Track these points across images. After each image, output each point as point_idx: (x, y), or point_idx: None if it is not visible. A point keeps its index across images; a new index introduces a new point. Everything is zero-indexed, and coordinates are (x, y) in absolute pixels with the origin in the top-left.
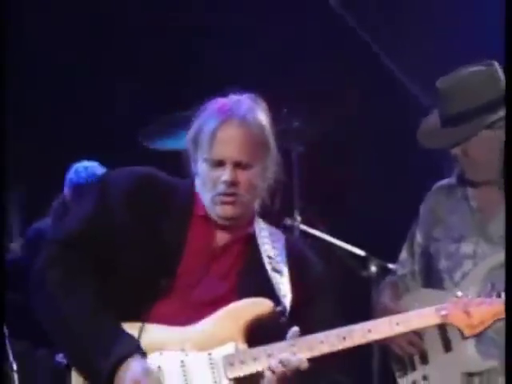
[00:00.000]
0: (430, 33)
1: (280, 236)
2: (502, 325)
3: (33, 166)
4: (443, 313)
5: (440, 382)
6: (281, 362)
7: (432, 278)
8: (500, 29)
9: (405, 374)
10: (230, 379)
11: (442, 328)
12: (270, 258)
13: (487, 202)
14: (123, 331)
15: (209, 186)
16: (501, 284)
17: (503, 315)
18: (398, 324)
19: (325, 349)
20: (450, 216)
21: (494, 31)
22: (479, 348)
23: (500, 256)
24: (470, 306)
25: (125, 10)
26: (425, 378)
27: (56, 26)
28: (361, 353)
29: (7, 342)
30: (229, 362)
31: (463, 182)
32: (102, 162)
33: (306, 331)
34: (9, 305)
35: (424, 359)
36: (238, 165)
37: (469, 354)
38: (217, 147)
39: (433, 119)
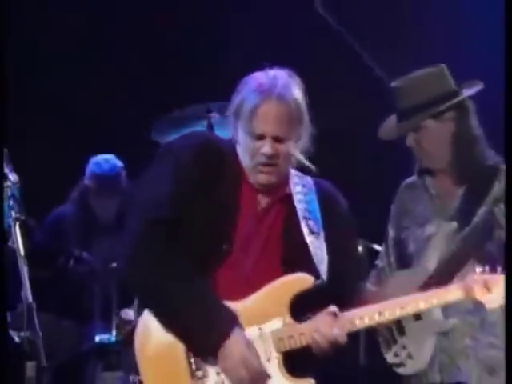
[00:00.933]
0: (416, 34)
1: (310, 183)
2: None
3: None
4: (467, 288)
5: (416, 347)
6: (325, 336)
7: (404, 262)
8: (500, 29)
9: (389, 348)
10: (280, 353)
11: None
12: (306, 218)
13: (443, 189)
14: (223, 305)
15: (249, 155)
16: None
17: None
18: (427, 300)
19: (363, 323)
20: (415, 206)
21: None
22: (443, 310)
23: (453, 224)
24: (489, 281)
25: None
26: (404, 347)
27: (64, 16)
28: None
29: (34, 313)
30: (278, 336)
31: (422, 173)
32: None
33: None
34: (37, 280)
35: (401, 331)
36: (276, 138)
37: (435, 317)
38: (257, 123)
39: (393, 117)
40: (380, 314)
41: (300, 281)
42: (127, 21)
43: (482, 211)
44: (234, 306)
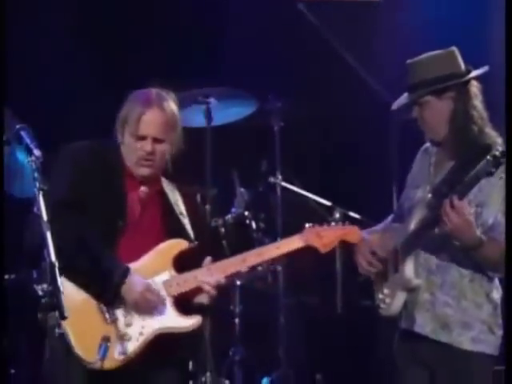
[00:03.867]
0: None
1: (172, 186)
2: (428, 256)
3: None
4: (304, 238)
5: (391, 295)
6: (203, 282)
7: (400, 217)
8: (500, 28)
9: (378, 290)
10: (171, 296)
11: (395, 253)
12: (176, 204)
13: (440, 159)
14: (118, 262)
15: (133, 152)
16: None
17: (345, 237)
18: (278, 248)
19: (232, 269)
20: (418, 169)
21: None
22: (414, 270)
23: (428, 196)
24: (321, 231)
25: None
26: (383, 292)
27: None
28: (325, 275)
29: (56, 271)
30: (167, 284)
31: (431, 141)
32: None
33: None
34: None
35: (385, 278)
36: (155, 139)
37: (406, 274)
38: (141, 126)
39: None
40: (244, 260)
41: (178, 243)
42: (124, 5)
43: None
44: (130, 265)
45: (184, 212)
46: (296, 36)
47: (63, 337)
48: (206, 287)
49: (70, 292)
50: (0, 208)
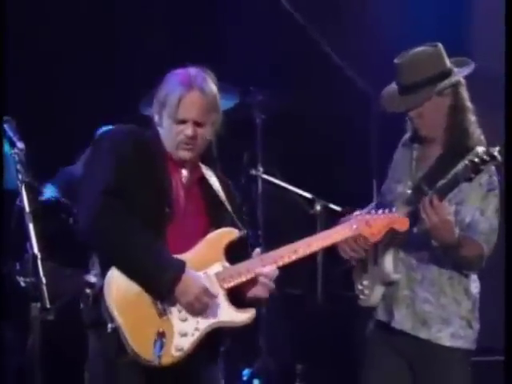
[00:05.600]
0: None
1: (210, 171)
2: (408, 252)
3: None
4: (353, 227)
5: (370, 287)
6: (257, 273)
7: (383, 208)
8: (500, 28)
9: (357, 281)
10: (224, 289)
11: (375, 245)
12: (219, 191)
13: (424, 154)
14: (172, 255)
15: (173, 137)
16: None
17: (394, 225)
18: (327, 238)
19: (283, 261)
20: (399, 162)
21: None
22: (393, 265)
23: (408, 193)
24: (369, 219)
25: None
26: (362, 283)
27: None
28: (306, 266)
29: (38, 262)
30: (220, 277)
31: (413, 138)
32: None
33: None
34: (43, 232)
35: (365, 269)
36: (196, 123)
37: (386, 268)
38: (181, 110)
39: (391, 89)
40: (295, 251)
41: (229, 232)
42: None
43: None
44: (180, 257)
45: (225, 198)
46: (278, 29)
47: (115, 332)
48: (263, 279)
49: (123, 285)
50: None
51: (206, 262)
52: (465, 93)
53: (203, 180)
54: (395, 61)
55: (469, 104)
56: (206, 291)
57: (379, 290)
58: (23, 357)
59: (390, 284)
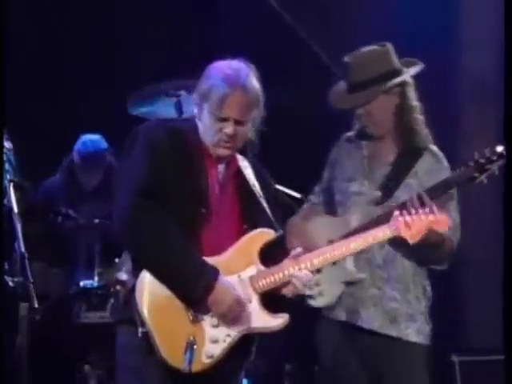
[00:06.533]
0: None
1: (246, 162)
2: (373, 250)
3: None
4: (393, 228)
5: (328, 287)
6: (291, 276)
7: (330, 208)
8: (500, 28)
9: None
10: (258, 294)
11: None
12: (254, 186)
13: (375, 153)
14: (206, 261)
15: (213, 133)
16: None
17: (434, 226)
18: (366, 238)
19: (320, 262)
20: (347, 161)
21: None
22: (356, 264)
23: (377, 193)
24: (409, 221)
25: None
26: (318, 284)
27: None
28: None
29: (26, 262)
30: (254, 280)
31: (361, 135)
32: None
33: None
34: (31, 234)
35: (319, 270)
36: (237, 122)
37: (347, 267)
38: (224, 108)
39: (340, 87)
40: (333, 252)
41: (264, 234)
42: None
43: (403, 189)
44: (214, 260)
45: (262, 193)
46: (267, 29)
47: (145, 336)
48: (296, 281)
49: (155, 289)
50: None
51: (240, 265)
52: (412, 92)
53: (239, 173)
54: (345, 59)
55: (416, 103)
56: (239, 301)
57: (337, 290)
58: (11, 356)
59: (351, 283)
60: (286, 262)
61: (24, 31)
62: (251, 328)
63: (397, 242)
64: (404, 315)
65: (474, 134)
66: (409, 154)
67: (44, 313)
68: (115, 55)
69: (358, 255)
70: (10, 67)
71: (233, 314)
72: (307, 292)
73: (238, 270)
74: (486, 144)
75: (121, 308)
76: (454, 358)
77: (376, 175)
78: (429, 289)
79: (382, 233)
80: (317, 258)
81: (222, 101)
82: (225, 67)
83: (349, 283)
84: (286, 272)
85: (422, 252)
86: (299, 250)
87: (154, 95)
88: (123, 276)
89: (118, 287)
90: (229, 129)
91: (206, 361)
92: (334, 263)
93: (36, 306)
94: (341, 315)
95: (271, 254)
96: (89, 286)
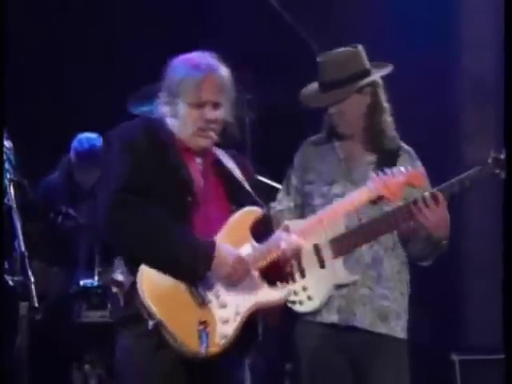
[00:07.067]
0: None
1: (223, 151)
2: (362, 250)
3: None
4: (373, 189)
5: (317, 291)
6: (285, 249)
7: (307, 212)
8: (500, 28)
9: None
10: (257, 270)
11: (317, 249)
12: (234, 170)
13: (350, 154)
14: (198, 236)
15: (191, 122)
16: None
17: (411, 181)
18: (352, 202)
19: (311, 232)
20: (321, 164)
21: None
22: (346, 266)
23: None
24: (386, 180)
25: None
26: (304, 289)
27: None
28: None
29: (26, 261)
30: (251, 257)
31: (331, 137)
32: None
33: None
34: (31, 233)
35: (302, 274)
36: (215, 105)
37: (338, 270)
38: (201, 92)
39: (312, 86)
40: (320, 221)
41: (252, 212)
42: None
43: None
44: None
45: (241, 176)
46: (267, 25)
47: (156, 328)
48: (289, 253)
49: (156, 279)
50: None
51: (234, 245)
52: (383, 93)
53: (218, 162)
54: (317, 59)
55: (386, 105)
56: (240, 259)
57: (326, 293)
58: (11, 356)
59: (345, 286)
60: (277, 233)
61: (24, 31)
62: (257, 303)
63: (381, 241)
64: (393, 312)
65: (474, 134)
66: (388, 154)
67: (44, 312)
68: (115, 55)
69: (347, 256)
70: (9, 67)
71: (238, 274)
72: (290, 297)
73: (234, 248)
74: (486, 144)
75: (120, 309)
76: (454, 357)
77: (355, 176)
78: (408, 285)
79: (364, 194)
80: (308, 230)
81: (197, 86)
82: (189, 58)
83: (342, 286)
84: (281, 244)
85: (414, 247)
86: (287, 223)
87: (147, 96)
88: (119, 277)
89: (115, 289)
90: (209, 114)
91: (221, 342)
92: (322, 266)
93: (36, 305)
94: (331, 317)
95: (262, 231)
96: (89, 286)
